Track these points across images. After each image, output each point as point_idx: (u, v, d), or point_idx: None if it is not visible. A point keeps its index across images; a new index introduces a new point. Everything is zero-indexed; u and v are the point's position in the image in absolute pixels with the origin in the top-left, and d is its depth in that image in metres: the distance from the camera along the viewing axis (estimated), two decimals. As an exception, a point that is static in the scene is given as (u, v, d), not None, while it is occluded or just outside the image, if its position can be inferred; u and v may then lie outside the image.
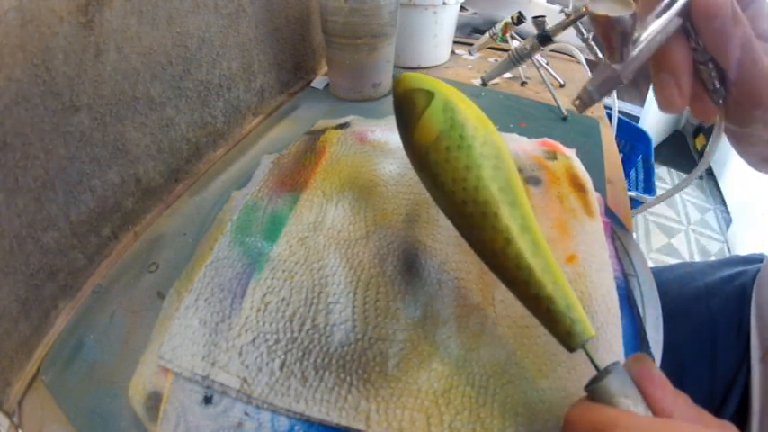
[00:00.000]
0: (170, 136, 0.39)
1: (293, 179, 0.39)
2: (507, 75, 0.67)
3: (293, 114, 0.53)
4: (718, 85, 0.23)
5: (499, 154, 0.24)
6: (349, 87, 0.56)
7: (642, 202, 1.13)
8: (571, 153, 0.44)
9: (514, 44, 0.61)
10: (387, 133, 0.45)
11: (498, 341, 0.27)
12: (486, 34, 0.65)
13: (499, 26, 0.62)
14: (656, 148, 1.50)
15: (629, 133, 1.42)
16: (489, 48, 0.73)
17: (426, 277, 0.30)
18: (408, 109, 0.26)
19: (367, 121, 0.48)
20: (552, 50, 0.77)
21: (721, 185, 1.76)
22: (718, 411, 0.37)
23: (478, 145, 0.23)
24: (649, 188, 1.28)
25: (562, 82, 0.65)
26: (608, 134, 0.54)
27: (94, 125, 0.31)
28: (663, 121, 1.94)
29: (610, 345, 0.27)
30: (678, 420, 0.18)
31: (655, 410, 0.18)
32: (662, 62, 0.23)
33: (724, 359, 0.39)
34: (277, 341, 0.26)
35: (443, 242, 0.33)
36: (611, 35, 0.21)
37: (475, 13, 0.83)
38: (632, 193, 1.14)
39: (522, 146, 0.45)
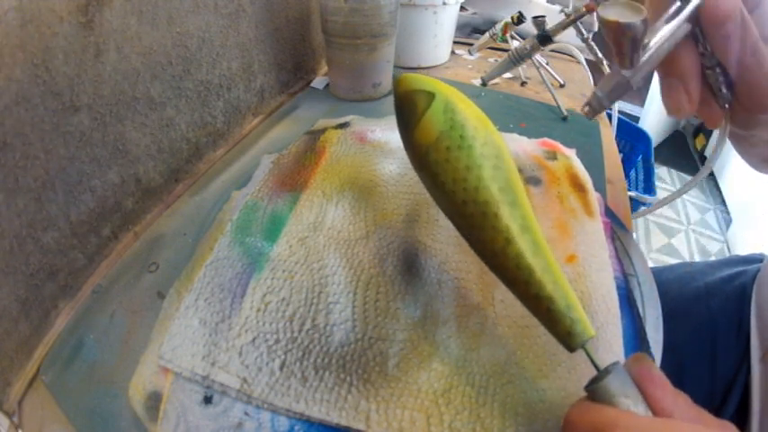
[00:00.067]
0: (170, 136, 0.39)
1: (293, 179, 0.39)
2: (507, 75, 0.67)
3: (293, 114, 0.53)
4: (724, 90, 0.23)
5: (499, 154, 0.24)
6: (349, 87, 0.56)
7: (642, 203, 1.13)
8: (571, 153, 0.44)
9: (514, 44, 0.61)
10: (387, 133, 0.45)
11: (498, 341, 0.27)
12: (486, 34, 0.65)
13: (499, 26, 0.62)
14: (656, 148, 1.50)
15: (629, 133, 1.42)
16: (489, 48, 0.73)
17: (426, 277, 0.30)
18: (409, 109, 0.26)
19: (367, 120, 0.48)
20: (552, 50, 0.77)
21: (721, 185, 1.76)
22: (718, 411, 0.37)
23: (479, 145, 0.23)
24: (649, 188, 1.27)
25: (562, 82, 0.65)
26: (608, 134, 0.54)
27: (94, 125, 0.31)
28: (663, 121, 1.94)
29: (610, 345, 0.27)
30: (678, 420, 0.18)
31: (655, 410, 0.18)
32: (670, 68, 0.23)
33: (724, 359, 0.39)
34: (277, 341, 0.26)
35: (443, 242, 0.33)
36: (622, 41, 0.20)
37: (475, 13, 0.83)
38: (632, 193, 1.14)
39: (522, 146, 0.45)
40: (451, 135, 0.24)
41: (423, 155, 0.25)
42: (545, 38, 0.49)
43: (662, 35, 0.21)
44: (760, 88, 0.22)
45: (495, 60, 0.74)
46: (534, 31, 0.51)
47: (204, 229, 0.36)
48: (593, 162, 0.45)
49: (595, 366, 0.21)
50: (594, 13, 0.48)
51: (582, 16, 0.46)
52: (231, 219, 0.35)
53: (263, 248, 0.32)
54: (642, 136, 1.41)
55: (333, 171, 0.39)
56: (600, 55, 0.60)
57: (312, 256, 0.32)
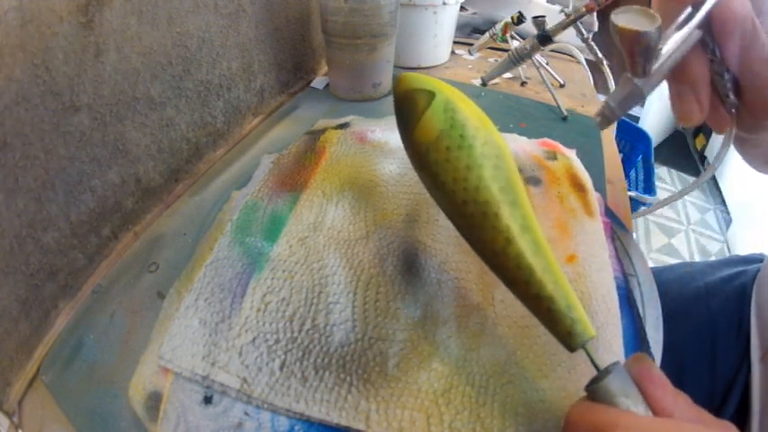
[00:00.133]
0: (170, 136, 0.39)
1: (293, 179, 0.39)
2: (507, 75, 0.67)
3: (293, 114, 0.53)
4: (731, 96, 0.23)
5: (500, 154, 0.24)
6: (349, 87, 0.56)
7: (642, 203, 1.13)
8: (571, 153, 0.44)
9: (514, 44, 0.61)
10: (387, 133, 0.45)
11: (498, 341, 0.27)
12: (486, 34, 0.65)
13: (499, 26, 0.62)
14: (656, 148, 1.50)
15: (629, 133, 1.42)
16: (489, 48, 0.73)
17: (426, 277, 0.30)
18: (409, 109, 0.26)
19: (367, 120, 0.48)
20: (552, 50, 0.77)
21: (721, 185, 1.76)
22: (718, 411, 0.37)
23: (479, 145, 0.23)
24: (649, 188, 1.28)
25: (562, 82, 0.65)
26: (608, 134, 0.54)
27: (94, 125, 0.31)
28: (663, 121, 1.94)
29: (610, 345, 0.27)
30: (678, 420, 0.18)
31: (655, 410, 0.18)
32: (681, 75, 0.23)
33: (724, 359, 0.39)
34: (277, 341, 0.26)
35: (443, 242, 0.33)
36: (636, 49, 0.20)
37: (475, 13, 0.83)
38: (632, 194, 1.14)
39: (522, 146, 0.45)
40: (452, 134, 0.23)
41: (423, 154, 0.25)
42: (545, 38, 0.49)
43: (674, 42, 0.21)
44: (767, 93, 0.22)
45: (495, 60, 0.74)
46: (534, 31, 0.51)
47: (204, 229, 0.36)
48: (593, 162, 0.45)
49: (595, 366, 0.21)
50: (594, 13, 0.48)
51: (582, 16, 0.46)
52: (231, 219, 0.35)
53: (263, 248, 0.32)
54: (642, 136, 1.41)
55: (333, 171, 0.39)
56: (600, 55, 0.60)
57: (312, 256, 0.32)
